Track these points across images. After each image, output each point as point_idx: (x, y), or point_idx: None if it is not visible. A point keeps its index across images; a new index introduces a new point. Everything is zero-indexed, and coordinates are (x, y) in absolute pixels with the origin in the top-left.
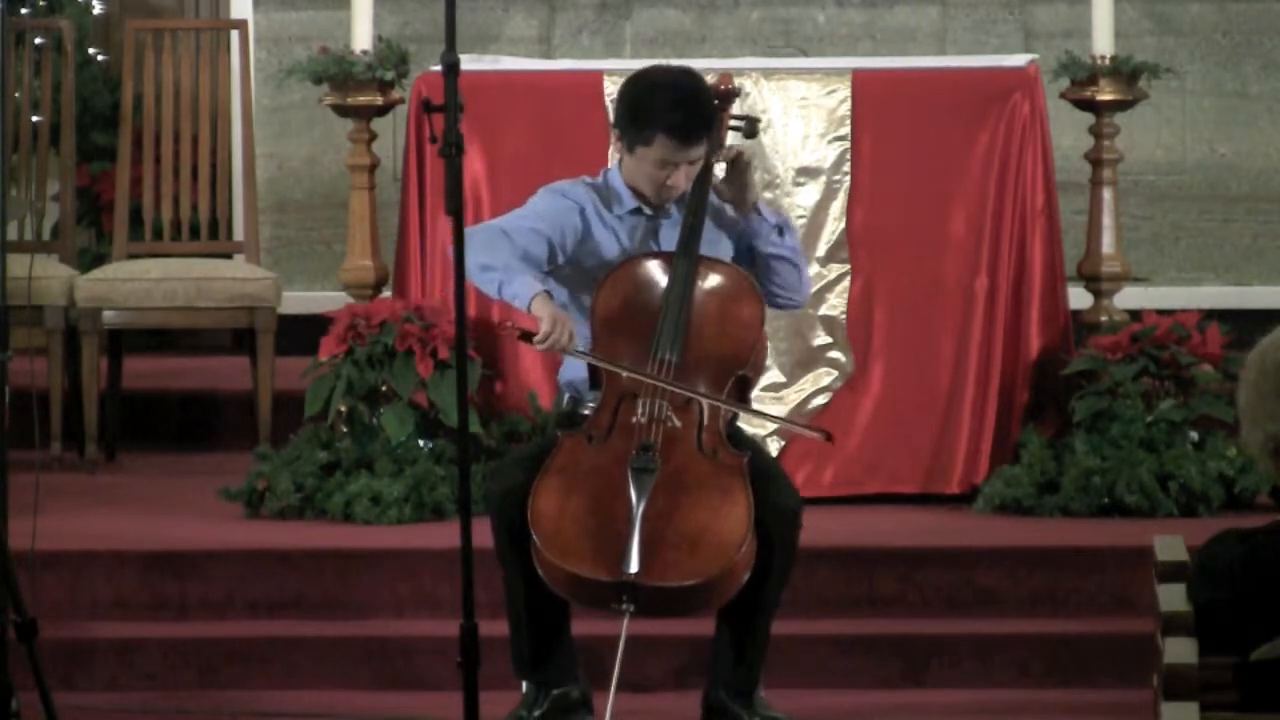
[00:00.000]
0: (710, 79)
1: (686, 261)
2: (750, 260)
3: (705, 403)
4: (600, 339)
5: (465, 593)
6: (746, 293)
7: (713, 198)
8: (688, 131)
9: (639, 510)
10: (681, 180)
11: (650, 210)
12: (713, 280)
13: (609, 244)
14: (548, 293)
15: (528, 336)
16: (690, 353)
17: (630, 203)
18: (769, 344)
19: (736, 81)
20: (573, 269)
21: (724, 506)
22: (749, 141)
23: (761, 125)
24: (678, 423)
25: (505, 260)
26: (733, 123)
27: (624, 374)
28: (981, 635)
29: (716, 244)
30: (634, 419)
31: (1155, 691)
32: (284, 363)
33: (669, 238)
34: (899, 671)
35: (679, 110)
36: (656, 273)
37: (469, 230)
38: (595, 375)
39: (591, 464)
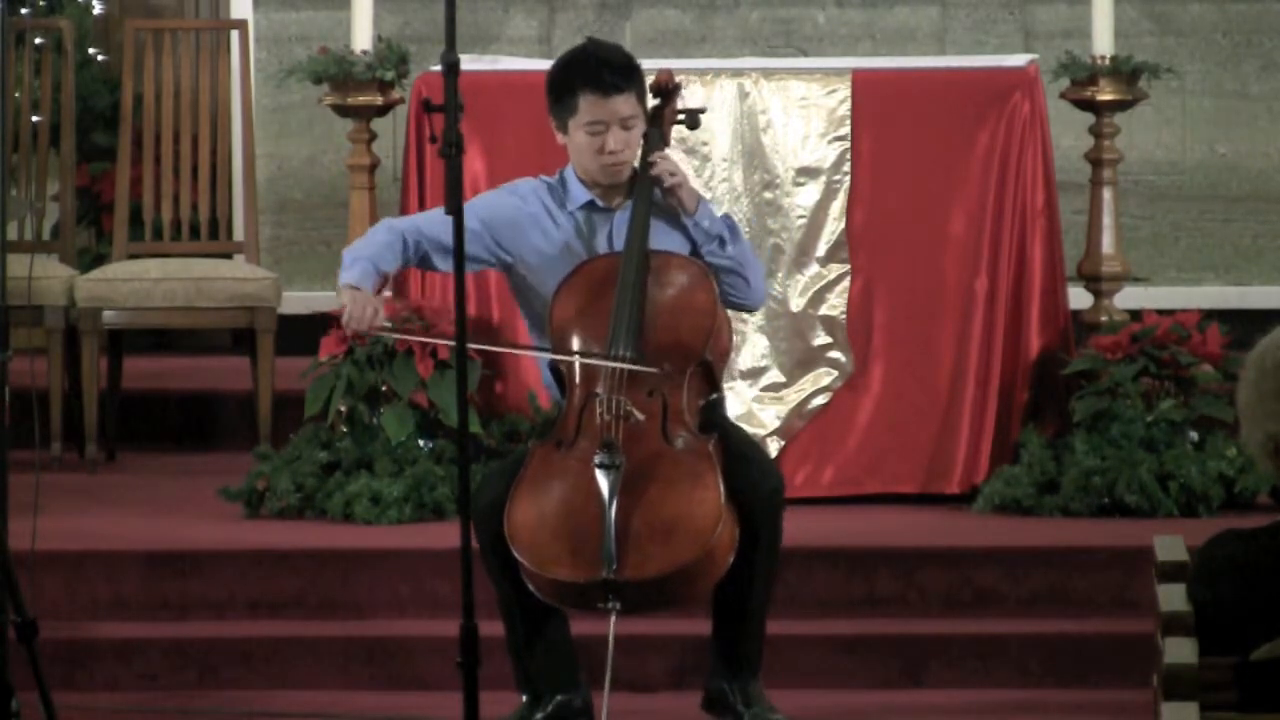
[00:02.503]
0: (650, 77)
1: (635, 256)
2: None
3: (667, 392)
4: (559, 345)
5: (465, 593)
6: (698, 280)
7: (659, 196)
8: (603, 81)
9: (610, 508)
10: (619, 145)
11: (603, 203)
12: (663, 272)
13: (556, 240)
14: (356, 286)
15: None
16: (647, 346)
17: (583, 197)
18: (770, 343)
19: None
20: (525, 269)
21: (695, 491)
22: (695, 132)
23: (761, 124)
24: (641, 416)
25: (364, 252)
26: (677, 116)
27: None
28: (981, 635)
29: (667, 239)
30: (597, 418)
31: (1155, 691)
32: (284, 363)
33: (622, 232)
34: (899, 671)
35: (589, 64)
36: (608, 273)
37: (383, 222)
38: (561, 382)
39: (561, 469)
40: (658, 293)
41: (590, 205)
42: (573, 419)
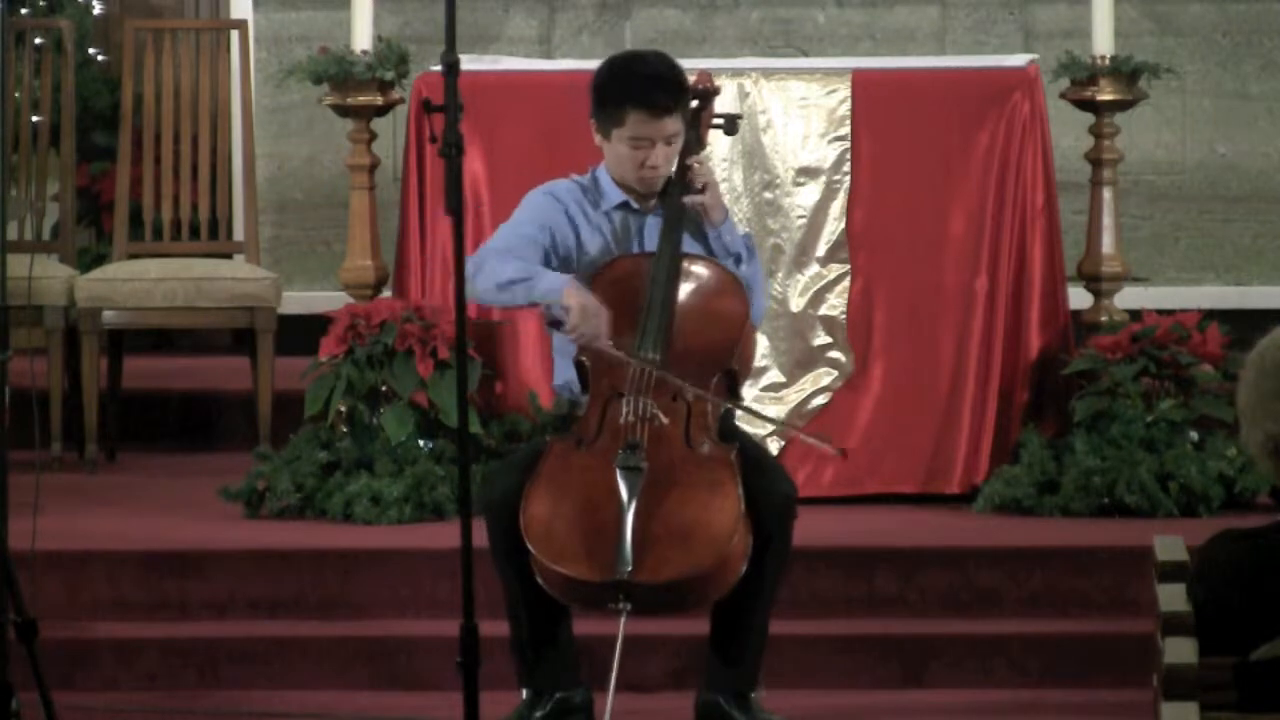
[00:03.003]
0: (690, 78)
1: (668, 259)
2: None
3: (691, 397)
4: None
5: (465, 593)
6: (729, 287)
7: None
8: (655, 102)
9: (629, 509)
10: (661, 160)
11: (636, 205)
12: (694, 276)
13: (594, 241)
14: (575, 280)
15: (555, 325)
16: (674, 350)
17: (617, 198)
18: (770, 343)
19: (719, 81)
20: (562, 269)
21: (714, 499)
22: (722, 146)
23: (761, 124)
24: (664, 419)
25: (522, 269)
26: (715, 120)
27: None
28: (981, 635)
29: (690, 246)
30: (621, 419)
31: (1155, 691)
32: (284, 363)
33: (654, 234)
34: (899, 671)
35: (645, 82)
36: (639, 272)
37: (473, 259)
38: (584, 378)
39: (581, 466)
40: (688, 297)
41: (624, 206)
42: (594, 417)
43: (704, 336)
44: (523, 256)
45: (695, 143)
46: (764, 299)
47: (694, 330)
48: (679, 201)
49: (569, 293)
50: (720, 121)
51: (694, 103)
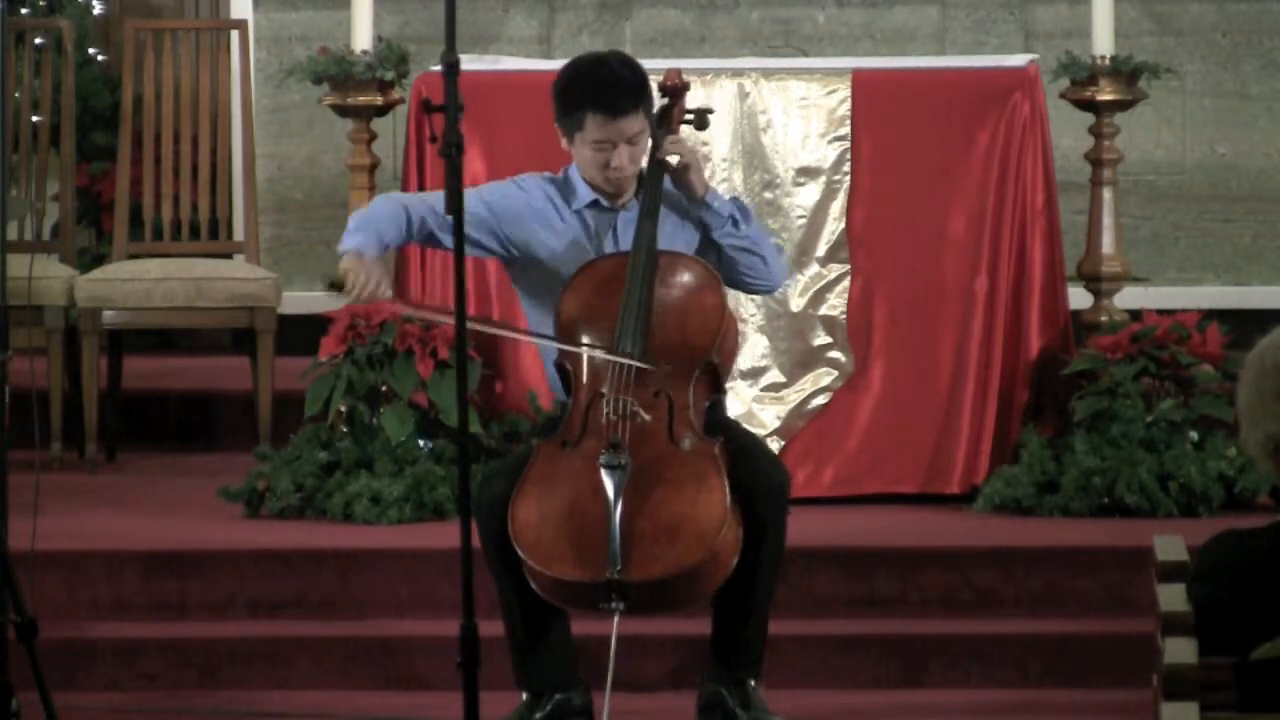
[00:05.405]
0: (656, 77)
1: (643, 257)
2: (716, 249)
3: (673, 393)
4: (567, 343)
5: (465, 593)
6: (705, 281)
7: (671, 188)
8: (612, 104)
9: (615, 508)
10: (625, 161)
11: (607, 203)
12: (670, 272)
13: (562, 238)
14: (360, 252)
15: (336, 287)
16: (653, 345)
17: (588, 196)
18: (770, 343)
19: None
20: (531, 267)
21: (700, 494)
22: (699, 133)
23: (761, 124)
24: (647, 416)
25: (368, 224)
26: (685, 116)
27: (529, 339)
28: (981, 635)
29: (678, 233)
30: (603, 418)
31: (1155, 691)
32: (284, 363)
33: (627, 231)
34: (899, 671)
35: (600, 85)
36: (615, 272)
37: (382, 195)
38: (568, 382)
39: (566, 468)
40: (666, 293)
41: (595, 205)
42: (578, 418)
43: (684, 331)
44: (420, 216)
45: (663, 132)
46: (775, 256)
47: (674, 325)
48: (655, 194)
49: (345, 259)
50: (691, 117)
51: (663, 100)
